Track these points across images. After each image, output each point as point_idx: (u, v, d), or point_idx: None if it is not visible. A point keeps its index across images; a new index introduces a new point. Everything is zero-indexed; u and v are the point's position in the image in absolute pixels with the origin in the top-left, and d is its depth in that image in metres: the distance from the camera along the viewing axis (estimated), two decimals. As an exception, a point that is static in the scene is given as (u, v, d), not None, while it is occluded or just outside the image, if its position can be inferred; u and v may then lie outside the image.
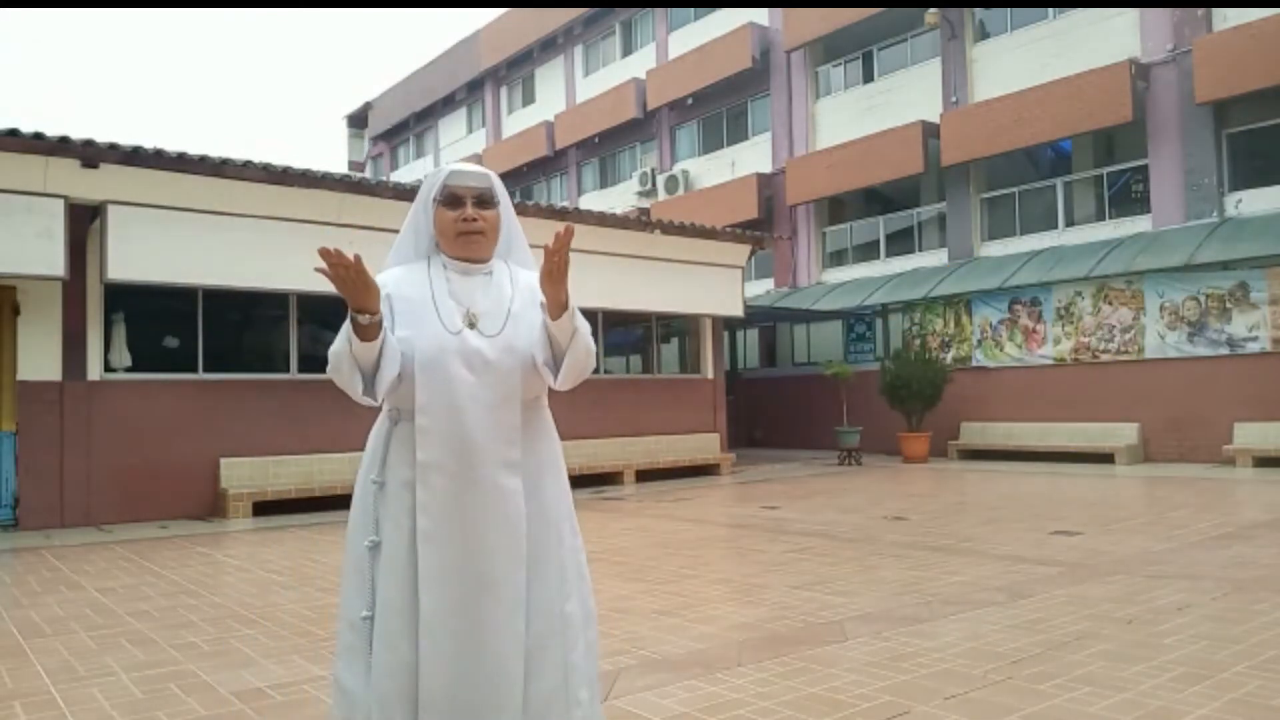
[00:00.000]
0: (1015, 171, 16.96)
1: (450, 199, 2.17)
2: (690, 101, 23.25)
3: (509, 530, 2.06)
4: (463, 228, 2.16)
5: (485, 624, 2.01)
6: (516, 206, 11.94)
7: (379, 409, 2.18)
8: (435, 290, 2.14)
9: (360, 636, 2.04)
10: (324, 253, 1.90)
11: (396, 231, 2.34)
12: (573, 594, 2.17)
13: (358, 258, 1.92)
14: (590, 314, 13.18)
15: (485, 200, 2.19)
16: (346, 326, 1.97)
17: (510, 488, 2.07)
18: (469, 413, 2.04)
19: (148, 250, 9.03)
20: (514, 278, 2.24)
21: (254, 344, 10.72)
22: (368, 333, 1.95)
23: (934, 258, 17.85)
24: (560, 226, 2.18)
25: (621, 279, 12.67)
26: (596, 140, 26.46)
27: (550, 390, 2.21)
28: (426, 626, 1.98)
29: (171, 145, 14.12)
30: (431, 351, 2.04)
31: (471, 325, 2.10)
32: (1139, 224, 14.86)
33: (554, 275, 2.01)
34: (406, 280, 2.16)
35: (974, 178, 17.21)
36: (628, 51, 26.20)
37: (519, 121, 30.22)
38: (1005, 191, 16.99)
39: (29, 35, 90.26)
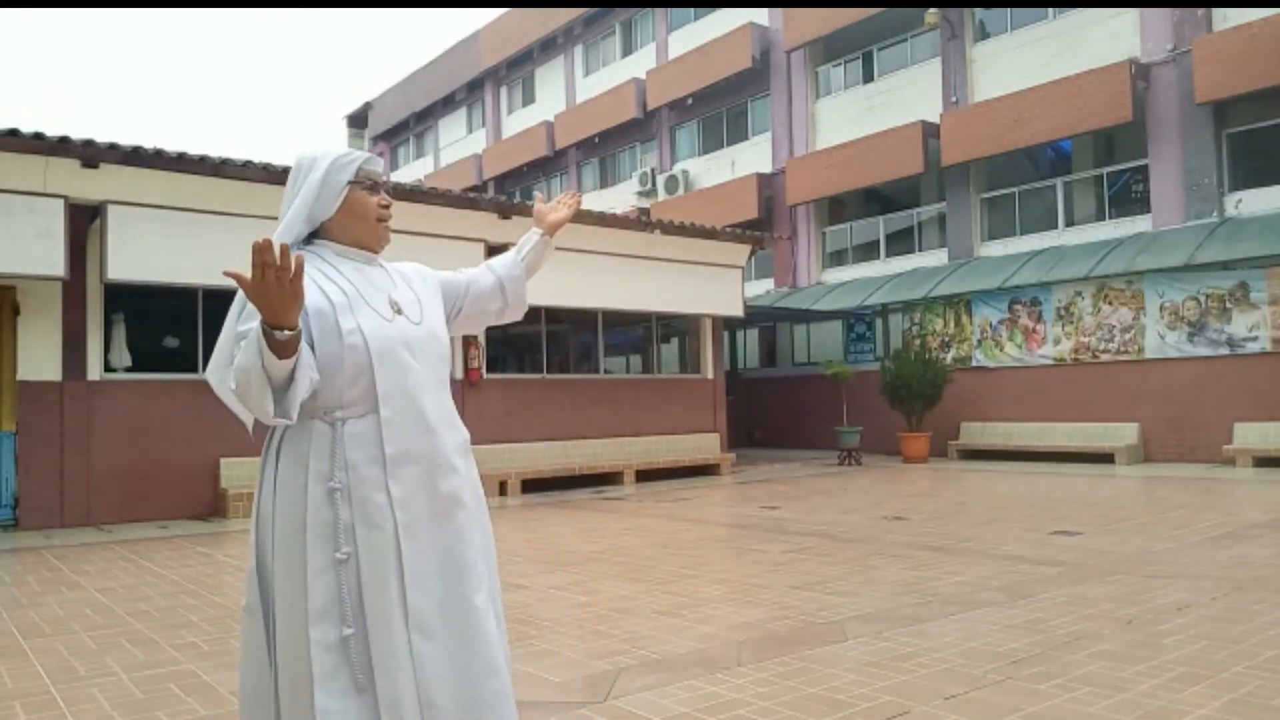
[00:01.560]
0: (1015, 171, 16.96)
1: (371, 185, 2.08)
2: (690, 101, 23.25)
3: (474, 512, 2.06)
4: (382, 215, 2.09)
5: (469, 612, 1.98)
6: (517, 206, 12.03)
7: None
8: (353, 279, 2.03)
9: (338, 657, 1.86)
10: (259, 247, 1.59)
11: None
12: (499, 593, 2.16)
13: (300, 259, 1.64)
14: (590, 314, 13.20)
15: (387, 190, 2.17)
16: (255, 341, 1.69)
17: (465, 470, 2.07)
18: (423, 400, 2.00)
19: (148, 250, 9.03)
20: (394, 268, 2.19)
21: (254, 344, 10.70)
22: (285, 349, 1.69)
23: (934, 258, 17.85)
24: (564, 228, 2.36)
25: (621, 279, 12.67)
26: (596, 140, 26.46)
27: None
28: (417, 623, 1.91)
29: (171, 145, 14.15)
30: (381, 341, 1.96)
31: (398, 313, 2.04)
32: (1139, 224, 14.86)
33: (567, 218, 2.46)
34: (319, 275, 1.99)
35: (974, 178, 17.21)
36: (628, 51, 26.20)
37: (519, 121, 30.22)
38: (1005, 191, 16.99)
39: (29, 35, 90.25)
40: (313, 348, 1.88)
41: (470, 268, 2.41)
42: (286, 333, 1.69)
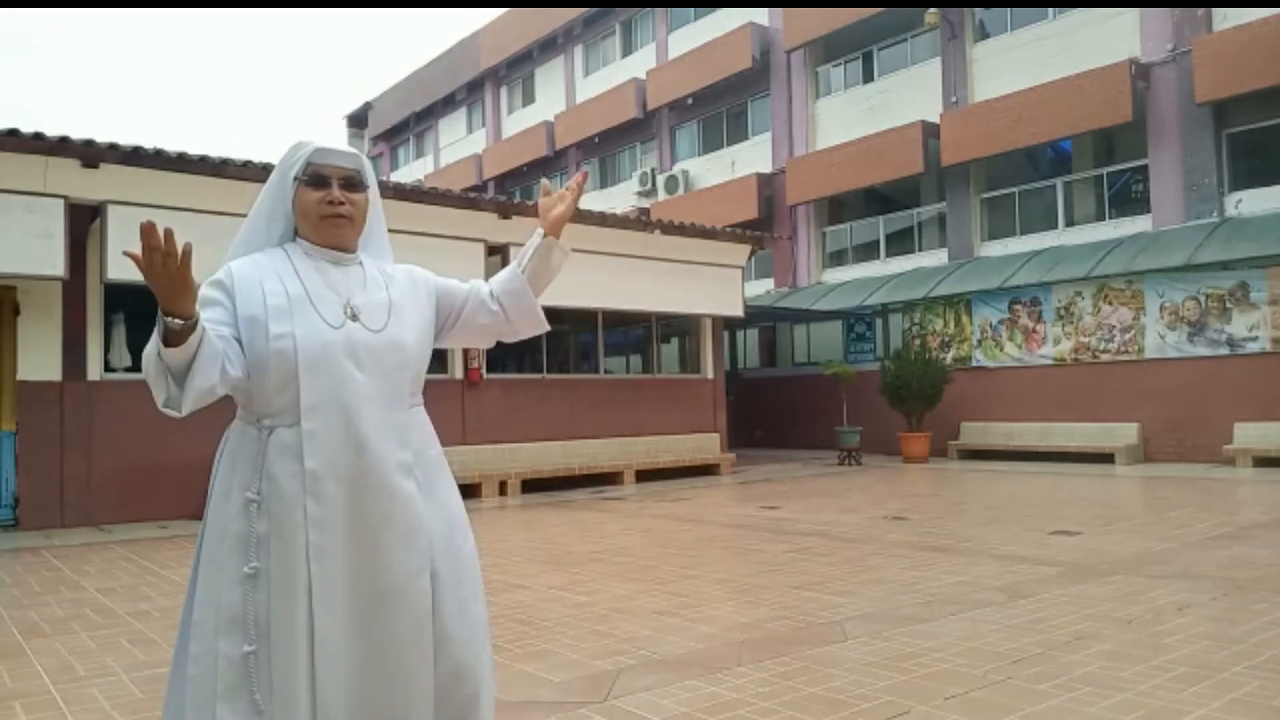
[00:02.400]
0: (1015, 171, 16.97)
1: (315, 179, 1.95)
2: (690, 101, 23.25)
3: (409, 537, 1.89)
4: (327, 210, 1.94)
5: (386, 641, 1.85)
6: (517, 206, 12.01)
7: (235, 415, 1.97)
8: (306, 281, 1.92)
9: (240, 673, 1.78)
10: (145, 230, 1.57)
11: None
12: (479, 598, 2.04)
13: (188, 247, 1.62)
14: (590, 314, 13.20)
15: (353, 183, 1.98)
16: (156, 334, 1.70)
17: (406, 491, 1.91)
18: (360, 413, 1.86)
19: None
20: (383, 269, 2.08)
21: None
22: (177, 338, 1.68)
23: (934, 258, 17.85)
24: (564, 228, 2.22)
25: (621, 279, 12.66)
26: (596, 140, 26.46)
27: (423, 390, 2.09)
28: (321, 649, 1.79)
29: (171, 145, 14.15)
30: (315, 348, 1.85)
31: (354, 319, 1.92)
32: (1139, 224, 14.86)
33: (567, 213, 2.17)
34: (268, 270, 1.92)
35: (974, 178, 17.21)
36: (628, 51, 26.20)
37: (519, 121, 30.22)
38: (1005, 191, 16.99)
39: (29, 35, 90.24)
40: (244, 348, 1.85)
41: (479, 277, 2.31)
42: (178, 321, 1.66)
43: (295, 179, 1.98)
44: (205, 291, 1.89)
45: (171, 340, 1.69)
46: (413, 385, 2.00)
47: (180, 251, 1.60)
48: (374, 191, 2.07)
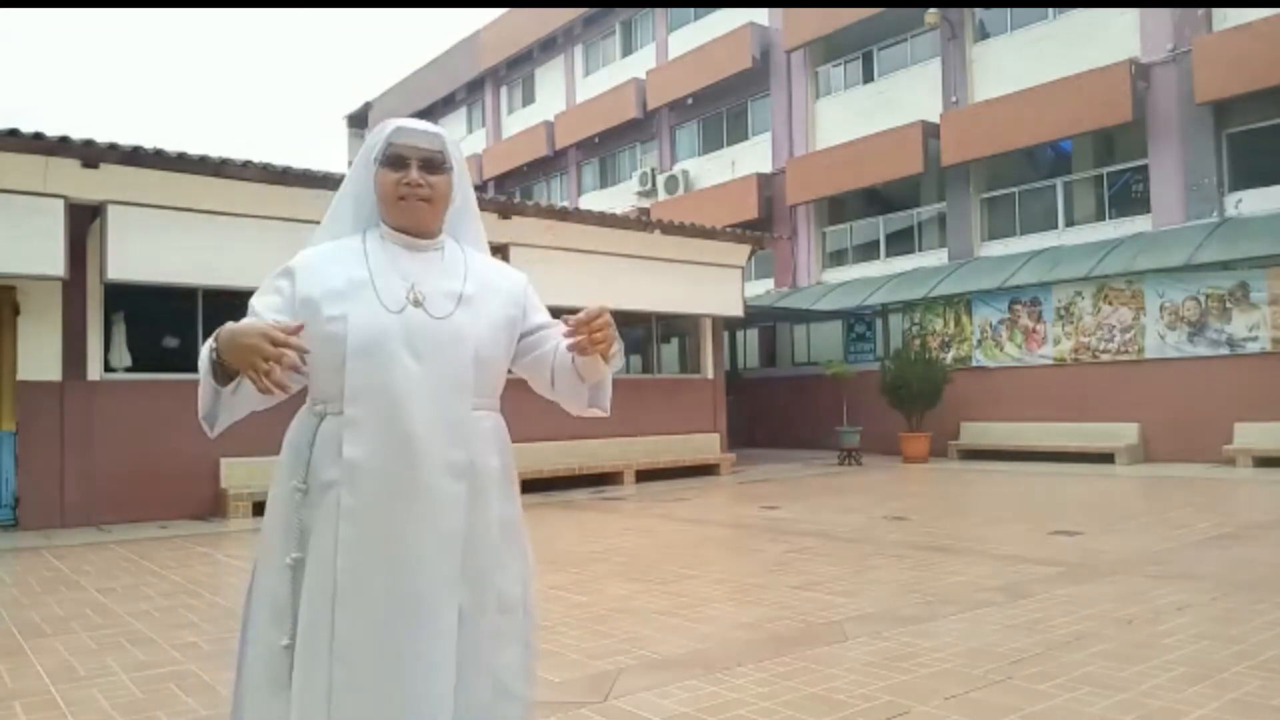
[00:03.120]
0: (1015, 171, 16.97)
1: (394, 159, 1.85)
2: (690, 101, 23.25)
3: (444, 545, 1.75)
4: (404, 192, 1.84)
5: (409, 662, 1.71)
6: (517, 206, 12.02)
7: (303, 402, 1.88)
8: (373, 265, 1.83)
9: (283, 666, 1.73)
10: (276, 343, 1.59)
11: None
12: (514, 637, 1.86)
13: (286, 367, 1.61)
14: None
15: (434, 164, 1.87)
16: (210, 351, 1.69)
17: (451, 496, 1.76)
18: (410, 405, 1.73)
19: (148, 250, 9.02)
20: (468, 258, 1.95)
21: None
22: (225, 379, 1.70)
23: (934, 258, 17.85)
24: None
25: (621, 279, 12.66)
26: (596, 140, 26.47)
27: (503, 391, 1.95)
28: (341, 652, 1.68)
29: (171, 145, 14.13)
30: (368, 332, 1.74)
31: (416, 305, 1.80)
32: (1139, 224, 14.86)
33: (589, 350, 1.80)
34: (338, 255, 1.85)
35: (974, 178, 17.21)
36: (628, 51, 26.20)
37: (519, 121, 30.23)
38: (1005, 191, 16.99)
39: (29, 35, 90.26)
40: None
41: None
42: (236, 378, 1.69)
43: (375, 160, 1.89)
44: (271, 280, 1.85)
45: (220, 381, 1.71)
46: (479, 383, 1.84)
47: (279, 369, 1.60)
48: (461, 172, 1.96)
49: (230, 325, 1.67)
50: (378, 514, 1.72)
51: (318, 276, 1.81)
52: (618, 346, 1.85)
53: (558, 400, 2.00)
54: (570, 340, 1.80)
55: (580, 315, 1.78)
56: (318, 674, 1.69)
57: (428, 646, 1.72)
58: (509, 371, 1.97)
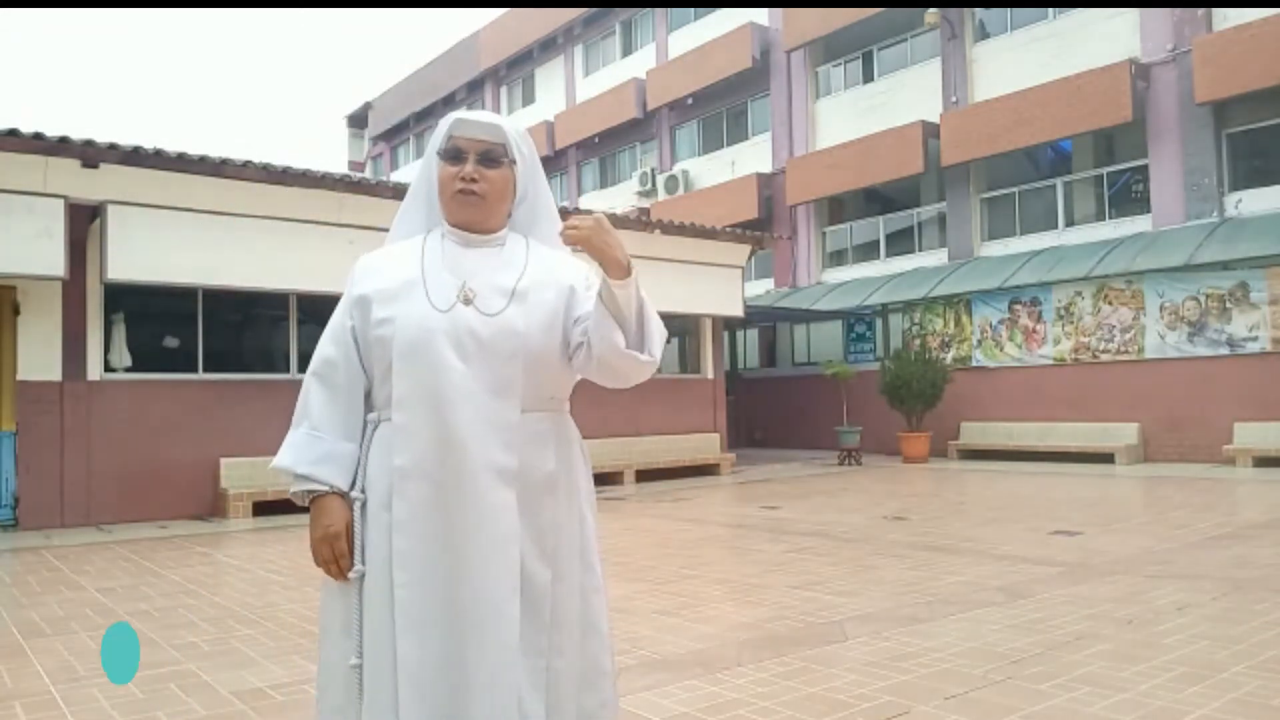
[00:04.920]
0: (1015, 171, 16.96)
1: (452, 153, 1.78)
2: (690, 101, 23.25)
3: (499, 555, 1.67)
4: (458, 187, 1.77)
5: (475, 677, 1.64)
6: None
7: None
8: (427, 263, 1.77)
9: (351, 690, 1.69)
10: (326, 561, 1.73)
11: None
12: (568, 647, 1.77)
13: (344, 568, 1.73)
14: (590, 314, 13.18)
15: (493, 157, 1.78)
16: (291, 459, 1.80)
17: (500, 503, 1.68)
18: (456, 407, 1.66)
19: (148, 250, 9.02)
20: (530, 252, 1.84)
21: (254, 344, 10.72)
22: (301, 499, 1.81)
23: (934, 258, 17.85)
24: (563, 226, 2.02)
25: (621, 279, 12.65)
26: (596, 140, 26.47)
27: (574, 390, 1.90)
28: (406, 677, 1.63)
29: (171, 145, 14.10)
30: (413, 333, 1.69)
31: (467, 302, 1.73)
32: (1139, 224, 14.86)
33: (581, 242, 1.69)
34: (397, 255, 1.82)
35: (974, 178, 17.21)
36: (628, 51, 26.20)
37: (519, 121, 30.13)
38: (1005, 191, 16.98)
39: (29, 35, 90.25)
40: (356, 340, 1.79)
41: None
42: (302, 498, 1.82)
43: (437, 154, 1.82)
44: (346, 288, 1.85)
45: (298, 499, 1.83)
46: (533, 384, 1.75)
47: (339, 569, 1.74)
48: (531, 166, 1.86)
49: (316, 504, 1.78)
50: (428, 524, 1.68)
51: (373, 278, 1.78)
52: (628, 261, 1.71)
53: (604, 364, 1.75)
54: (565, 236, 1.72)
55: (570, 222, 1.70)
56: (384, 694, 1.66)
57: (493, 666, 1.65)
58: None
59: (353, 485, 1.77)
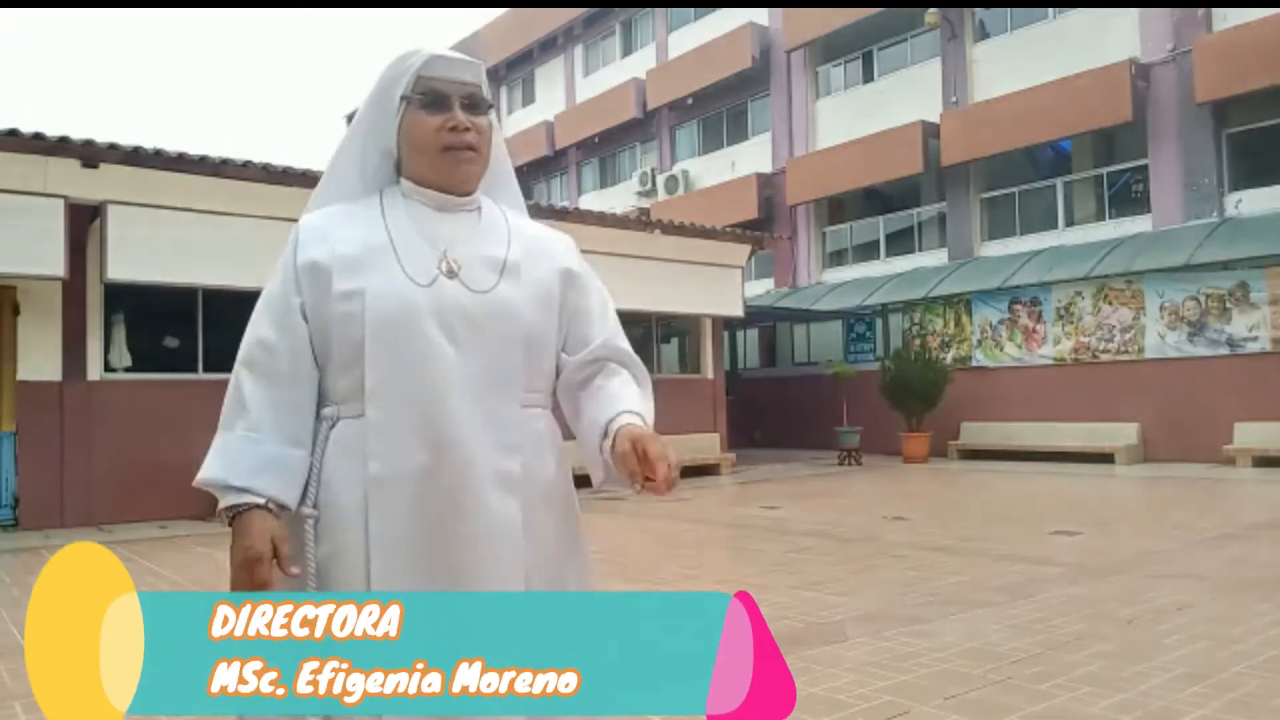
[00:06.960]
0: (1015, 171, 16.96)
1: (431, 97, 1.47)
2: (690, 101, 23.24)
3: (502, 578, 1.40)
4: (450, 140, 1.47)
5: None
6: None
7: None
8: (394, 228, 1.46)
9: None
10: (254, 578, 1.43)
11: None
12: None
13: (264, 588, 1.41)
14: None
15: (477, 102, 1.50)
16: (223, 470, 1.42)
17: (503, 513, 1.41)
18: (445, 400, 1.39)
19: (148, 250, 9.02)
20: (509, 219, 1.57)
21: (254, 344, 10.71)
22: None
23: (934, 258, 17.85)
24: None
25: (621, 279, 12.62)
26: (596, 140, 26.46)
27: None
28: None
29: (171, 145, 14.11)
30: (390, 310, 1.39)
31: (450, 276, 1.44)
32: (1139, 224, 14.86)
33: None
34: (348, 217, 1.50)
35: (974, 178, 17.21)
36: (628, 51, 26.20)
37: (519, 121, 30.21)
38: (1005, 191, 16.98)
39: (29, 35, 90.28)
40: (306, 317, 1.46)
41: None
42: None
43: (402, 98, 1.49)
44: (277, 266, 1.53)
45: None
46: (529, 373, 1.50)
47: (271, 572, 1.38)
48: (494, 115, 1.57)
49: (238, 521, 1.44)
50: (415, 543, 1.39)
51: (326, 242, 1.46)
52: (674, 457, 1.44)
53: (565, 408, 1.59)
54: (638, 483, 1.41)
55: (648, 454, 1.37)
56: None
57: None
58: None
59: (302, 499, 1.43)
